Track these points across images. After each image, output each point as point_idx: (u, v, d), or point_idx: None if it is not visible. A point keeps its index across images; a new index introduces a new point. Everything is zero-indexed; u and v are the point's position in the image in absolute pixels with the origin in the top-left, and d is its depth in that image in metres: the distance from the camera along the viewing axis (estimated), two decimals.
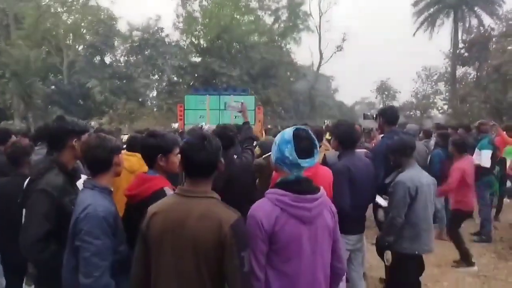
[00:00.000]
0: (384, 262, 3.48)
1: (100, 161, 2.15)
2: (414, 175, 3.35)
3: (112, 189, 2.21)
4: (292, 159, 1.84)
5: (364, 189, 3.39)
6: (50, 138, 2.49)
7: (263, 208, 1.82)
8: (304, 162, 1.85)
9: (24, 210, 2.37)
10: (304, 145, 1.87)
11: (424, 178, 3.41)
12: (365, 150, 4.71)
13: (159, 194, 2.08)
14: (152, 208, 1.80)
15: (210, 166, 1.79)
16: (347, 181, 3.26)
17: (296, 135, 1.88)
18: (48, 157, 2.45)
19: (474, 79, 26.32)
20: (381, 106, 32.06)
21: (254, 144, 4.21)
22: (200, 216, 1.69)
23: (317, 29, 35.39)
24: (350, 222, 3.15)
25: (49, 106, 28.12)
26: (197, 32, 30.17)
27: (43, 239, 2.15)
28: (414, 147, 3.52)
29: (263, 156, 4.00)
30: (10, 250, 2.81)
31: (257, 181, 3.92)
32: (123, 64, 33.32)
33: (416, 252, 3.38)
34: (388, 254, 3.38)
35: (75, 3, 31.54)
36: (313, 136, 1.92)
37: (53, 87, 28.94)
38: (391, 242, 3.34)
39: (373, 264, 4.64)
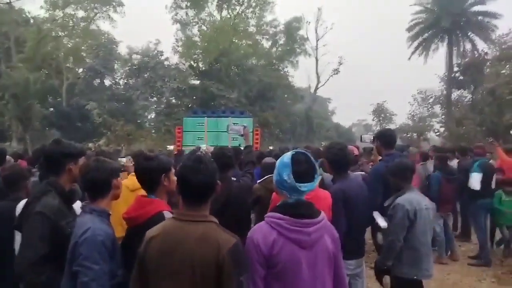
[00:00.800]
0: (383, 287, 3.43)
1: (99, 184, 2.15)
2: (414, 198, 3.32)
3: (110, 212, 2.19)
4: (290, 183, 1.84)
5: (360, 211, 3.34)
6: (47, 161, 2.47)
7: (261, 231, 1.82)
8: (303, 187, 1.84)
9: (16, 235, 2.34)
10: (302, 169, 1.86)
11: (423, 202, 3.38)
12: (362, 172, 4.72)
13: (158, 218, 2.06)
14: (150, 232, 1.78)
15: (207, 189, 1.78)
16: (342, 204, 3.22)
17: (295, 159, 1.89)
18: (45, 180, 2.43)
19: (470, 102, 26.65)
20: (378, 128, 32.29)
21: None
22: (198, 241, 1.67)
23: (314, 52, 36.03)
24: (347, 246, 3.11)
25: (47, 128, 28.19)
26: (196, 56, 30.68)
27: (39, 263, 2.11)
28: (414, 170, 3.51)
29: (261, 180, 3.98)
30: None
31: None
32: (122, 87, 33.66)
33: (415, 277, 3.33)
34: (387, 279, 3.34)
35: (76, 27, 32.16)
36: (313, 160, 1.92)
37: (51, 109, 29.07)
38: (390, 267, 3.30)
39: None
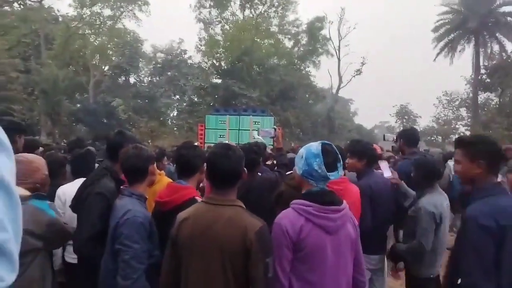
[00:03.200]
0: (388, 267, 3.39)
1: (137, 170, 2.29)
2: (437, 201, 3.25)
3: (147, 196, 2.33)
4: (321, 172, 1.94)
5: (385, 208, 3.38)
6: (109, 149, 2.68)
7: (289, 217, 1.91)
8: (332, 175, 1.96)
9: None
10: (331, 159, 1.97)
11: (445, 201, 3.35)
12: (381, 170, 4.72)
13: (191, 203, 2.15)
14: (182, 214, 1.91)
15: (234, 174, 1.90)
16: (369, 200, 3.27)
17: (324, 149, 1.99)
18: (101, 165, 2.63)
19: (497, 105, 25.93)
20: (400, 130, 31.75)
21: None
22: (227, 223, 1.79)
23: (336, 53, 35.76)
24: (372, 242, 3.15)
25: (74, 124, 29.06)
26: (218, 55, 30.94)
27: (96, 238, 2.29)
28: (440, 175, 3.41)
29: (288, 173, 4.04)
30: None
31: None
32: (146, 84, 34.32)
33: (432, 276, 3.33)
34: (401, 264, 3.35)
35: (102, 25, 32.97)
36: (337, 151, 2.03)
37: (79, 105, 29.97)
38: (407, 264, 3.29)
39: (394, 287, 4.58)
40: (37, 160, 2.40)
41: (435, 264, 3.27)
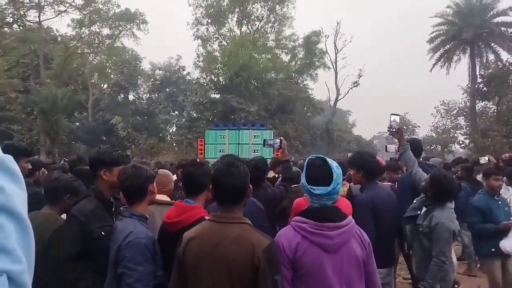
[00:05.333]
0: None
1: (137, 189, 2.25)
2: (452, 216, 3.22)
3: (148, 216, 2.29)
4: (305, 186, 1.93)
5: (389, 221, 3.34)
6: (90, 167, 2.63)
7: (286, 235, 1.89)
8: (317, 190, 1.89)
9: None
10: (316, 172, 1.92)
11: (454, 216, 3.31)
12: (390, 183, 4.70)
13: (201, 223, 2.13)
14: (188, 234, 1.87)
15: (239, 191, 1.87)
16: (370, 213, 3.22)
17: (310, 163, 1.97)
18: (91, 186, 2.59)
19: (495, 113, 26.01)
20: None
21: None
22: (234, 241, 1.75)
23: (333, 66, 36.02)
24: (378, 255, 3.10)
25: (74, 142, 29.05)
26: (216, 70, 31.13)
27: (68, 261, 2.26)
28: (456, 195, 3.37)
29: (293, 186, 4.00)
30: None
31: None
32: (145, 101, 34.45)
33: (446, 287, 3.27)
34: None
35: (101, 44, 33.28)
36: (331, 165, 1.93)
37: (78, 123, 30.01)
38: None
39: None
40: (169, 173, 3.32)
41: (447, 277, 3.21)
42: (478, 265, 5.87)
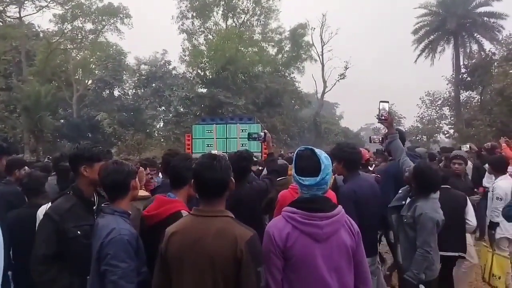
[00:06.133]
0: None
1: (118, 185, 2.21)
2: (436, 206, 3.25)
3: (130, 212, 2.26)
4: (294, 177, 1.95)
5: (372, 210, 3.37)
6: (68, 163, 2.56)
7: (276, 225, 1.90)
8: (306, 180, 1.91)
9: None
10: (304, 164, 1.94)
11: (438, 206, 3.33)
12: (374, 174, 4.74)
13: (176, 216, 2.12)
14: (170, 229, 1.86)
15: (220, 184, 1.86)
16: (353, 204, 3.23)
17: (299, 154, 1.99)
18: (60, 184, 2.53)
19: (478, 103, 26.44)
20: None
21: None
22: (216, 234, 1.75)
23: (320, 58, 36.09)
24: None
25: (59, 140, 28.61)
26: (202, 64, 30.92)
27: (43, 262, 2.21)
28: (439, 186, 3.35)
29: (278, 179, 4.00)
30: (26, 281, 2.84)
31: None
32: (131, 97, 34.07)
33: (431, 278, 3.31)
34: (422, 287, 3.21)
35: (84, 39, 32.71)
36: (319, 157, 1.95)
37: (62, 120, 29.54)
38: (423, 279, 3.17)
39: None
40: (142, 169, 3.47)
41: (434, 265, 3.25)
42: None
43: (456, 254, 3.91)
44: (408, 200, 3.41)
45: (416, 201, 3.26)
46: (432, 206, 3.23)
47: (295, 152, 2.00)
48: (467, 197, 3.95)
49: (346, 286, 1.91)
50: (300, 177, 1.92)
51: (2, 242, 0.75)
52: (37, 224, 2.82)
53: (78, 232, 2.25)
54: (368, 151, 6.71)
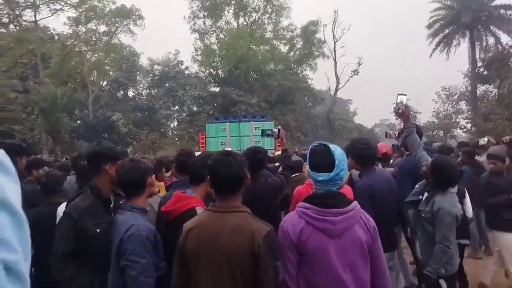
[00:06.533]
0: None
1: (135, 183, 2.25)
2: (454, 200, 3.21)
3: (148, 209, 2.29)
4: (309, 173, 1.94)
5: (388, 205, 3.34)
6: (87, 162, 2.59)
7: (290, 220, 1.90)
8: (320, 176, 1.89)
9: None
10: (317, 159, 1.92)
11: (457, 200, 3.29)
12: (391, 169, 4.69)
13: (191, 213, 2.13)
14: (188, 224, 1.88)
15: (236, 180, 1.86)
16: (369, 199, 3.21)
17: (312, 150, 1.97)
18: (79, 183, 2.55)
19: (496, 97, 25.88)
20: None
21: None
22: (233, 229, 1.76)
23: (332, 55, 35.82)
24: None
25: (75, 140, 29.13)
26: (215, 63, 31.04)
27: (62, 260, 2.23)
28: (457, 181, 3.32)
29: (294, 175, 4.00)
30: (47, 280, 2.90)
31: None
32: (145, 97, 34.43)
33: (451, 273, 3.26)
34: (444, 283, 3.17)
35: (98, 42, 33.19)
36: (333, 152, 1.93)
37: (79, 121, 30.04)
38: (443, 274, 3.15)
39: None
40: None
41: (454, 259, 3.22)
42: (483, 248, 5.89)
43: (467, 241, 3.92)
44: (426, 194, 3.37)
45: (434, 196, 3.22)
46: (450, 200, 3.19)
47: (309, 148, 1.99)
48: (465, 189, 3.89)
49: (361, 282, 1.88)
50: (314, 173, 1.90)
51: (29, 233, 0.77)
52: (57, 222, 2.90)
53: (97, 230, 2.28)
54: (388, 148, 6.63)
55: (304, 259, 1.84)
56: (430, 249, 3.18)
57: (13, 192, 0.72)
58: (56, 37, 31.52)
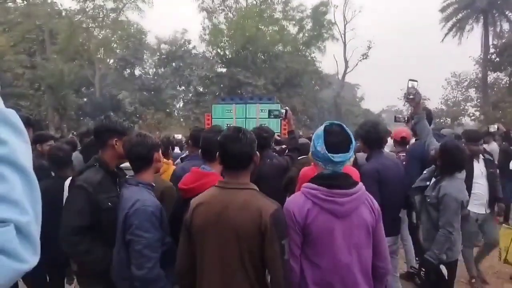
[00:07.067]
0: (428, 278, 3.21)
1: (142, 158, 2.24)
2: (461, 186, 3.20)
3: (154, 184, 2.28)
4: (324, 154, 1.87)
5: (395, 189, 3.33)
6: (94, 135, 2.58)
7: (296, 201, 1.87)
8: (337, 157, 1.85)
9: None
10: (335, 139, 1.87)
11: (464, 187, 3.27)
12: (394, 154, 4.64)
13: None
14: (195, 200, 1.88)
15: (245, 157, 1.84)
16: (376, 182, 3.21)
17: (327, 130, 1.91)
18: (94, 155, 2.55)
19: (507, 85, 25.45)
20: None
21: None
22: (241, 206, 1.75)
23: (342, 37, 35.27)
24: (383, 224, 3.09)
25: (81, 118, 29.25)
26: (222, 43, 30.71)
27: (77, 233, 2.23)
28: (464, 166, 3.28)
29: (300, 158, 3.97)
30: (54, 250, 2.93)
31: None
32: (151, 76, 34.32)
33: (452, 259, 3.25)
34: (444, 269, 3.17)
35: (105, 18, 32.87)
36: (348, 132, 1.92)
37: (85, 99, 30.09)
38: (444, 259, 3.15)
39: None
40: None
41: (456, 245, 3.21)
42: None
43: None
44: (433, 180, 3.34)
45: (441, 181, 3.20)
46: (457, 186, 3.17)
47: (323, 128, 1.93)
48: None
49: (365, 263, 1.90)
50: (332, 154, 1.85)
51: (39, 195, 0.76)
52: (64, 196, 2.92)
53: (109, 203, 2.29)
54: (390, 132, 6.55)
55: (308, 240, 1.83)
56: (433, 235, 3.18)
57: (25, 152, 0.71)
58: (63, 13, 31.24)
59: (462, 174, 3.26)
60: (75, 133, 8.98)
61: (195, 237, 1.82)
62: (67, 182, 3.09)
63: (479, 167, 4.39)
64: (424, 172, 3.50)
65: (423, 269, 3.21)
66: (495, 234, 4.39)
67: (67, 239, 2.24)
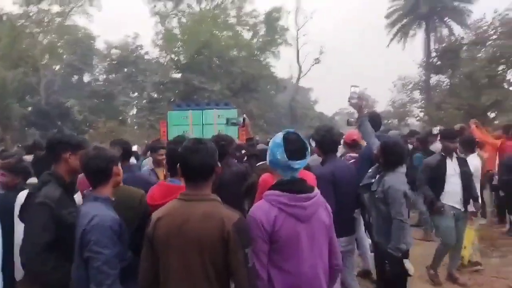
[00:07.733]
0: (390, 274, 3.36)
1: (100, 171, 2.17)
2: (403, 179, 3.42)
3: (113, 199, 2.24)
4: (285, 162, 1.95)
5: (348, 191, 3.51)
6: (46, 149, 2.50)
7: (262, 209, 1.92)
8: (297, 164, 1.96)
9: (22, 224, 2.37)
10: (294, 147, 1.97)
11: (405, 180, 3.49)
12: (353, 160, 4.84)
13: None
14: (156, 213, 1.87)
15: (206, 168, 1.86)
16: (331, 185, 3.35)
17: (286, 138, 2.00)
18: (46, 171, 2.45)
19: (448, 86, 27.18)
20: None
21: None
22: (203, 217, 1.77)
23: (295, 42, 36.03)
24: (339, 225, 3.20)
25: (26, 128, 27.58)
26: (176, 49, 30.28)
27: (44, 252, 2.16)
28: (406, 159, 3.55)
29: (259, 164, 4.02)
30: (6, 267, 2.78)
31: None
32: (102, 83, 33.11)
33: (406, 248, 3.36)
34: (407, 263, 3.26)
35: (51, 23, 31.29)
36: (304, 139, 2.04)
37: (30, 108, 28.41)
38: (404, 249, 3.27)
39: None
40: None
41: (408, 235, 3.37)
42: (434, 230, 6.25)
43: None
44: (378, 176, 3.56)
45: (384, 176, 3.43)
46: (399, 178, 3.40)
47: (282, 136, 2.00)
48: None
49: (325, 262, 2.02)
50: (291, 161, 1.94)
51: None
52: (15, 211, 2.77)
53: (71, 219, 2.22)
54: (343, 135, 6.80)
55: (276, 246, 1.89)
56: (385, 229, 3.37)
57: None
58: (4, 17, 29.35)
59: (403, 168, 3.50)
60: (20, 145, 8.47)
61: (158, 250, 1.81)
62: (21, 195, 2.94)
63: (452, 166, 4.54)
64: (369, 170, 3.71)
65: (387, 262, 3.36)
66: (461, 234, 4.60)
67: (35, 257, 2.16)
